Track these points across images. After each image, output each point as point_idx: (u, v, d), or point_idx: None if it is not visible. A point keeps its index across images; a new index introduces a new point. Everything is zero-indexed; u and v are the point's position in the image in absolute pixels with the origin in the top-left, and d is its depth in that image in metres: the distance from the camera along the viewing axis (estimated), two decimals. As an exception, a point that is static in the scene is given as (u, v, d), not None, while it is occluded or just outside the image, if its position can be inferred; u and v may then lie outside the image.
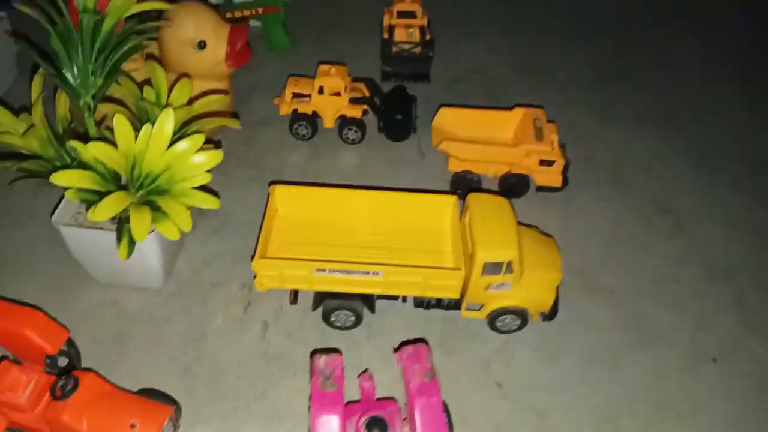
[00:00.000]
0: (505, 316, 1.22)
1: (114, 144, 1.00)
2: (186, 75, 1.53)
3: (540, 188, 1.54)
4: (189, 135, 1.08)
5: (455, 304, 1.22)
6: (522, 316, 1.22)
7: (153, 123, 1.04)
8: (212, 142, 1.43)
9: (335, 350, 1.13)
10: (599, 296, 1.35)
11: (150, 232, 1.05)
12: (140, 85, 1.26)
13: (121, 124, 0.99)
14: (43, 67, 1.02)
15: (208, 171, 1.10)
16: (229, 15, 1.94)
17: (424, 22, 1.88)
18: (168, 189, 1.06)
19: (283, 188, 1.29)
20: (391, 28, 1.88)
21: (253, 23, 1.97)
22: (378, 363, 1.19)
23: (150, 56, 1.54)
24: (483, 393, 1.16)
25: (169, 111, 1.02)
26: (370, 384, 1.05)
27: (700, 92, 1.98)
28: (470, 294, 1.19)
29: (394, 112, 1.65)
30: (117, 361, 1.17)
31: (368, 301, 1.20)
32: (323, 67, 1.64)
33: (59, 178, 0.94)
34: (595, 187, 1.61)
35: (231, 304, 1.28)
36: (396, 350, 1.04)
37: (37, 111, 1.06)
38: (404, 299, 1.25)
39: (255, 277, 1.16)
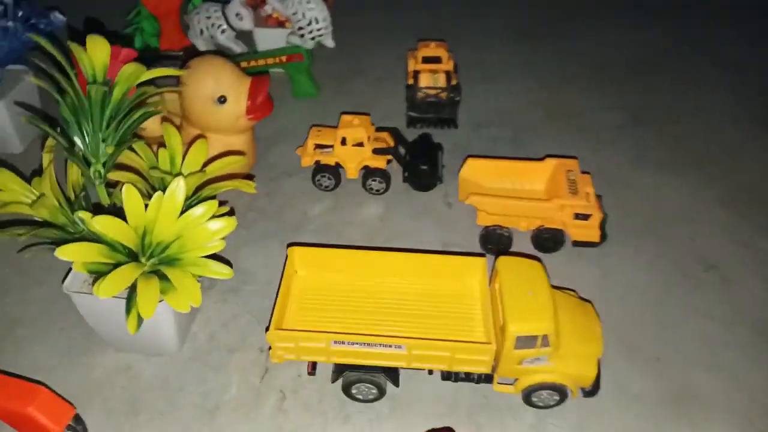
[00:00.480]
0: (541, 392, 1.12)
1: (123, 214, 0.96)
2: (204, 134, 1.51)
3: (576, 243, 1.45)
4: (202, 200, 1.04)
5: (486, 378, 1.14)
6: (560, 392, 1.12)
7: (165, 191, 1.00)
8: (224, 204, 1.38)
9: None
10: (645, 364, 1.25)
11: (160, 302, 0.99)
12: (160, 144, 1.22)
13: (130, 195, 0.95)
14: (52, 136, 0.99)
15: (222, 238, 1.04)
16: (253, 63, 1.92)
17: (450, 66, 1.84)
18: (179, 258, 1.01)
19: (302, 250, 1.23)
20: (416, 74, 1.83)
21: (278, 70, 1.95)
22: (402, 440, 1.11)
23: (165, 119, 1.51)
24: (517, 477, 1.07)
25: (180, 180, 0.97)
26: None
27: (736, 133, 1.88)
28: (502, 368, 1.10)
29: (419, 161, 1.58)
30: (127, 435, 1.11)
31: (392, 373, 1.13)
32: (346, 118, 1.59)
33: (64, 252, 0.90)
34: (634, 241, 1.51)
35: (248, 371, 1.21)
36: (422, 438, 0.96)
37: (47, 180, 1.03)
38: (431, 371, 1.17)
39: (270, 348, 1.09)
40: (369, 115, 1.65)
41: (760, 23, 2.45)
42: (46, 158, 1.06)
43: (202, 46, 1.99)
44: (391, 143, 1.62)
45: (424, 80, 1.83)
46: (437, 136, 1.79)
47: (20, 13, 1.58)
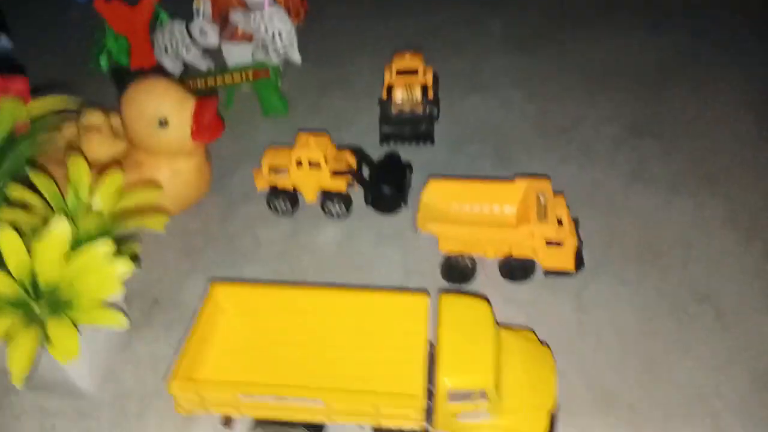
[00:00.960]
0: None
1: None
2: (149, 157, 1.43)
3: (548, 272, 1.30)
4: (100, 239, 0.94)
5: None
6: None
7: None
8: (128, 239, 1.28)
9: None
10: (616, 414, 1.09)
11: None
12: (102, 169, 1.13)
13: (7, 239, 0.85)
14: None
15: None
16: (219, 81, 1.83)
17: (428, 79, 1.71)
18: (71, 302, 0.91)
19: (225, 287, 1.12)
20: (390, 88, 1.71)
21: (246, 88, 1.85)
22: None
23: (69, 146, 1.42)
24: None
25: (60, 220, 0.87)
26: None
27: (744, 149, 1.67)
28: (438, 422, 0.96)
29: (382, 183, 1.46)
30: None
31: (314, 429, 1.00)
32: (301, 136, 1.48)
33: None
34: (619, 270, 1.35)
35: (166, 419, 1.10)
36: None
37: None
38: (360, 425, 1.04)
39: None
40: (332, 133, 1.54)
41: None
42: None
43: (168, 64, 1.91)
44: (353, 163, 1.50)
45: (398, 95, 1.70)
46: (411, 153, 1.67)
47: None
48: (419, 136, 1.74)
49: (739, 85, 1.91)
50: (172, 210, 1.50)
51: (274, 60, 1.76)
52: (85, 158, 1.17)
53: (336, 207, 1.48)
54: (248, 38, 1.86)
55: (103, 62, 1.93)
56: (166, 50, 1.89)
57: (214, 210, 1.56)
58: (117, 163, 1.43)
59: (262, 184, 1.50)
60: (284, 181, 1.48)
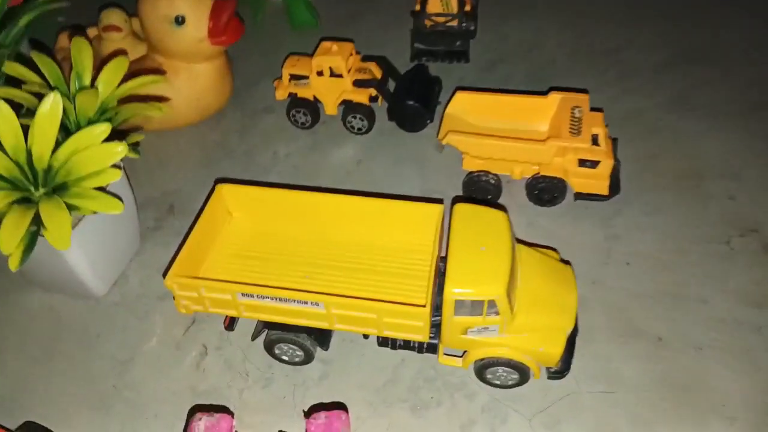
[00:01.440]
0: (496, 368, 0.92)
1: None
2: (168, 61, 1.37)
3: (579, 196, 1.21)
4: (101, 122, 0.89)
5: (431, 348, 0.95)
6: (519, 370, 0.92)
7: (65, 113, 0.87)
8: (134, 130, 1.24)
9: (224, 408, 0.90)
10: (641, 346, 1.01)
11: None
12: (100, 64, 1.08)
13: (1, 115, 0.81)
14: None
15: (117, 166, 0.90)
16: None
17: (465, -10, 1.59)
18: (67, 185, 0.88)
19: (232, 188, 1.07)
20: (424, -2, 1.59)
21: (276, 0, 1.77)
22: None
23: (78, 32, 1.37)
24: (453, 468, 0.89)
25: (54, 94, 0.83)
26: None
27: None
28: (446, 337, 0.91)
29: (406, 97, 1.37)
30: (35, 382, 1.01)
31: (318, 335, 0.96)
32: (325, 44, 1.40)
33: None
34: (656, 196, 1.25)
35: (172, 322, 1.08)
36: (306, 415, 0.79)
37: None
38: (366, 335, 0.99)
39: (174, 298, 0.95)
40: (362, 48, 1.45)
41: None
42: None
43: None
44: (378, 75, 1.42)
45: (433, 6, 1.59)
46: (441, 70, 1.57)
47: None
48: (453, 54, 1.63)
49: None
50: (191, 118, 1.45)
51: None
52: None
53: (357, 121, 1.41)
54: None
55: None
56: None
57: (233, 122, 1.50)
58: (135, 65, 1.39)
59: (282, 93, 1.43)
60: (305, 91, 1.41)
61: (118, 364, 1.03)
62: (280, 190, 1.07)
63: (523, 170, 1.21)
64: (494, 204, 0.99)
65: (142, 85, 1.04)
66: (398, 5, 1.83)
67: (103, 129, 0.86)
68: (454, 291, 0.84)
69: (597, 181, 1.18)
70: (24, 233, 0.82)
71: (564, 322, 0.90)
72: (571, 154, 1.16)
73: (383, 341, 0.96)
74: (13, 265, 0.86)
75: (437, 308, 0.91)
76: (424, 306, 0.85)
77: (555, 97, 1.23)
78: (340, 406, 0.91)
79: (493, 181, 1.21)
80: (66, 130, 0.97)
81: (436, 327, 0.92)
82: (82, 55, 1.01)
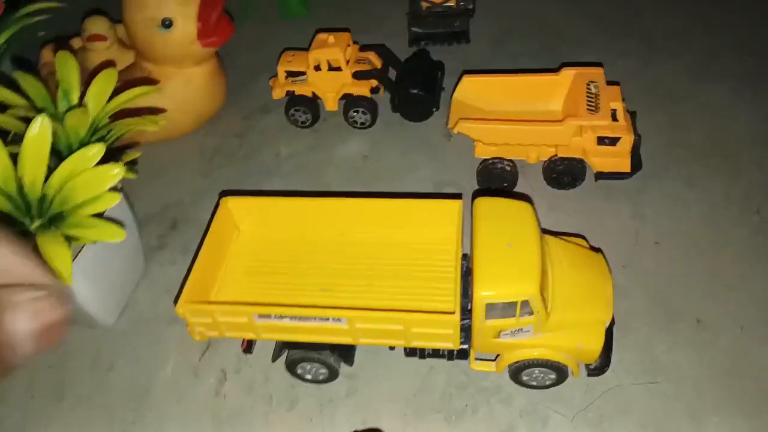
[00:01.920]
0: (532, 369, 0.87)
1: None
2: (159, 67, 1.31)
3: (600, 175, 1.15)
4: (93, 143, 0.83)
5: (462, 354, 0.90)
6: (556, 369, 0.87)
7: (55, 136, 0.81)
8: (129, 147, 1.17)
9: None
10: (681, 330, 0.96)
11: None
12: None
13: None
14: None
15: (115, 189, 0.84)
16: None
17: (460, -34, 1.51)
18: (63, 215, 0.82)
19: (238, 201, 1.01)
20: (419, -20, 1.52)
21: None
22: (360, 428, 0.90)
23: (62, 46, 1.31)
24: (497, 480, 0.84)
25: (42, 117, 0.77)
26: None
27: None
28: (478, 342, 0.86)
29: (410, 86, 1.31)
30: (48, 423, 0.97)
31: (343, 351, 0.91)
32: (320, 36, 1.33)
33: None
34: (683, 170, 1.19)
35: (187, 347, 1.03)
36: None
37: None
38: (391, 347, 0.94)
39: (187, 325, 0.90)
40: (357, 36, 1.37)
41: None
42: None
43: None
44: (378, 64, 1.35)
45: (428, -14, 1.52)
46: (443, 53, 1.50)
47: None
48: (453, 35, 1.56)
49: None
50: (186, 126, 1.39)
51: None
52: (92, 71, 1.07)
53: (360, 115, 1.34)
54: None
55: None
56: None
57: (231, 125, 1.44)
58: (124, 75, 1.32)
59: (279, 92, 1.37)
60: (303, 87, 1.35)
61: (136, 396, 0.98)
62: (289, 198, 1.01)
63: (540, 153, 1.15)
64: (516, 194, 0.93)
65: (134, 98, 0.98)
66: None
67: (97, 150, 0.80)
68: (483, 294, 0.79)
69: (618, 159, 1.12)
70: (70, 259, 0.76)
71: (601, 314, 0.84)
72: (590, 132, 1.10)
73: (411, 351, 0.91)
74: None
75: (466, 311, 0.85)
76: (453, 313, 0.80)
77: (568, 74, 1.16)
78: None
79: (508, 168, 1.15)
80: (57, 155, 0.91)
81: (465, 331, 0.87)
82: (68, 70, 0.94)
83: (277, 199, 1.02)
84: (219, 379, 0.98)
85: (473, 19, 1.55)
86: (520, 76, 1.21)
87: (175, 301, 0.88)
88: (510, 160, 1.15)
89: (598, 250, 0.97)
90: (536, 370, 0.87)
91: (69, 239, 0.82)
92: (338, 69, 1.30)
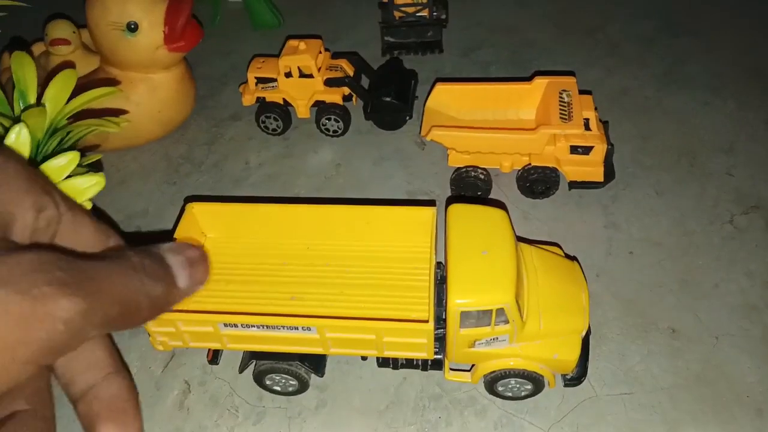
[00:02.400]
0: (508, 380, 0.85)
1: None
2: (124, 73, 1.27)
3: (574, 184, 1.14)
4: (64, 148, 0.79)
5: (435, 364, 0.87)
6: (532, 380, 0.85)
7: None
8: (89, 150, 1.13)
9: None
10: (655, 339, 0.95)
11: None
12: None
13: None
14: None
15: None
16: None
17: (432, -23, 1.51)
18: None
19: (204, 207, 0.97)
20: (392, -11, 1.51)
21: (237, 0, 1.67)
22: (329, 444, 0.87)
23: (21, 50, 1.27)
24: (471, 494, 0.82)
25: (20, 127, 0.73)
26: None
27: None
28: (452, 351, 0.83)
29: (383, 93, 1.29)
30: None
31: (312, 361, 0.88)
32: (291, 43, 1.31)
33: None
34: (653, 179, 1.19)
35: (149, 358, 0.99)
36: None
37: None
38: (364, 357, 0.91)
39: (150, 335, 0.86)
40: (329, 45, 1.36)
41: None
42: None
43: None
44: (351, 72, 1.33)
45: (401, -4, 1.51)
46: (416, 63, 1.49)
47: None
48: (426, 45, 1.55)
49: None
50: (153, 133, 1.35)
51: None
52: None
53: (332, 123, 1.32)
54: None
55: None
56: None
57: (199, 133, 1.41)
58: (87, 80, 1.28)
59: (250, 98, 1.34)
60: (274, 94, 1.32)
61: (93, 411, 0.93)
62: (258, 205, 0.98)
63: (513, 162, 1.14)
64: (490, 201, 0.92)
65: (94, 98, 0.94)
66: (363, -3, 1.75)
67: (69, 160, 0.76)
68: (458, 302, 0.76)
69: (591, 168, 1.12)
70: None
71: (577, 324, 0.83)
72: (563, 141, 1.10)
73: (384, 361, 0.88)
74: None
75: (440, 320, 0.83)
76: (426, 321, 0.78)
77: (541, 82, 1.16)
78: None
79: (482, 176, 1.14)
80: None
81: (439, 341, 0.84)
82: (25, 70, 0.90)
83: (245, 206, 0.99)
84: (183, 391, 0.94)
85: (445, 29, 1.55)
86: (493, 84, 1.21)
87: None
88: (484, 169, 1.14)
89: (573, 258, 0.96)
90: (512, 381, 0.85)
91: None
92: (310, 76, 1.28)
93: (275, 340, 0.83)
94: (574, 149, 1.10)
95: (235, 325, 0.81)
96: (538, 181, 1.14)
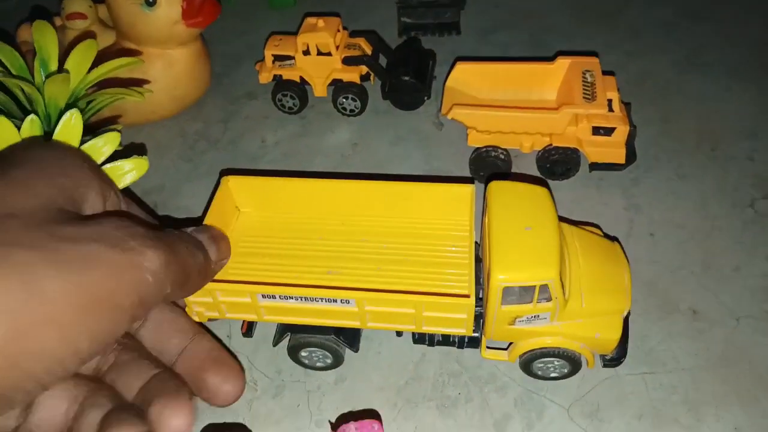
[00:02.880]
0: (546, 359, 0.84)
1: None
2: (140, 49, 1.26)
3: (595, 166, 1.13)
4: (87, 117, 0.78)
5: (472, 341, 0.87)
6: (571, 360, 0.84)
7: (29, 106, 0.75)
8: (108, 123, 1.12)
9: (239, 426, 0.82)
10: (677, 321, 0.94)
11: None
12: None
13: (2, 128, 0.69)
14: None
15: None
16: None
17: (451, -43, 1.50)
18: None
19: (240, 180, 0.95)
20: (409, -31, 1.50)
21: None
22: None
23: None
24: (491, 470, 0.81)
25: (74, 113, 0.70)
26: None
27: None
28: (491, 329, 0.82)
29: (401, 72, 1.28)
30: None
31: (348, 335, 0.87)
32: (310, 20, 1.30)
33: None
34: (675, 163, 1.18)
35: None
36: (333, 428, 0.71)
37: None
38: (399, 332, 0.91)
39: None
40: (346, 25, 1.35)
41: None
42: None
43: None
44: (369, 51, 1.32)
45: (419, -24, 1.50)
46: (433, 44, 1.48)
47: None
48: (444, 26, 1.54)
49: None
50: (168, 109, 1.34)
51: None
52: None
53: (349, 102, 1.31)
54: None
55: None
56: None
57: (215, 110, 1.40)
58: (107, 53, 1.27)
59: (266, 76, 1.33)
60: (291, 72, 1.31)
61: (111, 382, 0.93)
62: (293, 179, 0.96)
63: (534, 143, 1.13)
64: (533, 179, 0.90)
65: (116, 68, 0.93)
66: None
67: (113, 142, 0.74)
68: (501, 277, 0.75)
69: (613, 149, 1.11)
70: None
71: (619, 303, 0.81)
72: (585, 121, 1.09)
73: (419, 338, 0.88)
74: None
75: (478, 299, 0.83)
76: (467, 296, 0.76)
77: (563, 62, 1.15)
78: (371, 413, 0.83)
79: (502, 156, 1.13)
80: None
81: (477, 319, 0.84)
82: (46, 39, 0.89)
83: (280, 180, 0.96)
84: (201, 366, 0.93)
85: (462, 11, 1.54)
86: (514, 64, 1.20)
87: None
88: (504, 149, 1.13)
89: (614, 239, 0.95)
90: (550, 360, 0.84)
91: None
92: (327, 54, 1.27)
93: (312, 312, 0.81)
94: (596, 130, 1.09)
95: (274, 297, 0.80)
96: (558, 162, 1.13)
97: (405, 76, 1.27)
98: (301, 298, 0.80)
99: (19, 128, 0.70)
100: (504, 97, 1.19)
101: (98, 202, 0.47)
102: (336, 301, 0.80)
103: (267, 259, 0.90)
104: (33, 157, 0.48)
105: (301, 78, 1.32)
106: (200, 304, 0.85)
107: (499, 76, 1.19)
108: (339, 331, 0.86)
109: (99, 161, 0.76)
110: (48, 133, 0.79)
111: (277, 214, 0.96)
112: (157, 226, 0.54)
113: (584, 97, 1.07)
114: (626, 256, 0.88)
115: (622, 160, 1.11)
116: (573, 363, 0.84)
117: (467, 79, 1.19)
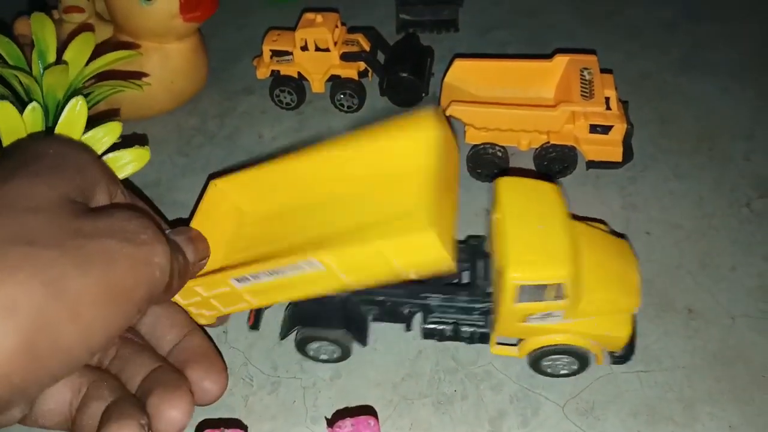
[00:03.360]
0: (556, 356, 0.85)
1: None
2: (137, 42, 1.25)
3: (592, 164, 1.13)
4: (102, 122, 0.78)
5: (482, 337, 0.87)
6: (580, 357, 0.84)
7: (27, 97, 0.75)
8: (107, 117, 1.11)
9: (235, 422, 0.82)
10: (672, 319, 0.95)
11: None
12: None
13: (5, 114, 0.69)
14: None
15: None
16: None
17: (449, -46, 1.49)
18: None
19: (227, 180, 0.94)
20: (407, -34, 1.50)
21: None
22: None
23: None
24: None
25: (79, 99, 0.70)
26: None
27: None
28: (502, 325, 0.82)
29: (399, 69, 1.28)
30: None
31: (356, 328, 0.87)
32: (308, 16, 1.29)
33: None
34: (672, 162, 1.18)
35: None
36: (329, 424, 0.71)
37: None
38: (408, 327, 0.90)
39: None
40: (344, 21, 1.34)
41: None
42: None
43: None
44: (366, 47, 1.32)
45: (417, -27, 1.50)
46: (430, 40, 1.47)
47: None
48: (442, 23, 1.54)
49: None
50: (165, 104, 1.34)
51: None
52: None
53: (347, 99, 1.31)
54: None
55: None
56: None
57: (212, 105, 1.39)
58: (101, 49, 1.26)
59: (264, 71, 1.33)
60: (288, 68, 1.31)
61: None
62: (270, 164, 0.92)
63: (532, 140, 1.13)
64: (541, 176, 0.90)
65: (114, 61, 0.93)
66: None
67: (113, 132, 0.73)
68: (516, 276, 0.75)
69: (610, 148, 1.11)
70: None
71: (630, 301, 0.81)
72: (583, 119, 1.09)
73: (429, 333, 0.87)
74: None
75: (485, 294, 0.83)
76: (426, 230, 0.63)
77: (561, 60, 1.15)
78: (367, 410, 0.82)
79: (500, 154, 1.13)
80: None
81: (485, 314, 0.84)
82: (45, 30, 0.89)
83: (260, 168, 0.93)
84: (196, 361, 0.93)
85: (461, 9, 1.54)
86: (512, 61, 1.20)
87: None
88: (501, 147, 1.13)
89: (622, 235, 0.96)
90: (559, 358, 0.84)
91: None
92: (326, 50, 1.27)
93: (292, 285, 0.79)
94: (593, 128, 1.09)
95: (247, 279, 0.78)
96: (555, 160, 1.13)
97: (403, 72, 1.27)
98: (268, 272, 0.77)
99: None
100: (502, 94, 1.19)
101: (105, 199, 0.48)
102: (302, 266, 0.74)
103: (263, 248, 0.89)
104: (53, 152, 0.48)
105: (299, 74, 1.31)
106: (194, 305, 0.83)
107: (498, 74, 1.19)
108: (348, 325, 0.86)
109: (99, 152, 0.75)
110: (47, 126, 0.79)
111: (275, 201, 0.95)
112: (158, 219, 0.55)
113: (582, 95, 1.07)
114: (634, 254, 0.88)
115: (619, 158, 1.11)
116: (582, 360, 0.84)
117: (465, 76, 1.19)
